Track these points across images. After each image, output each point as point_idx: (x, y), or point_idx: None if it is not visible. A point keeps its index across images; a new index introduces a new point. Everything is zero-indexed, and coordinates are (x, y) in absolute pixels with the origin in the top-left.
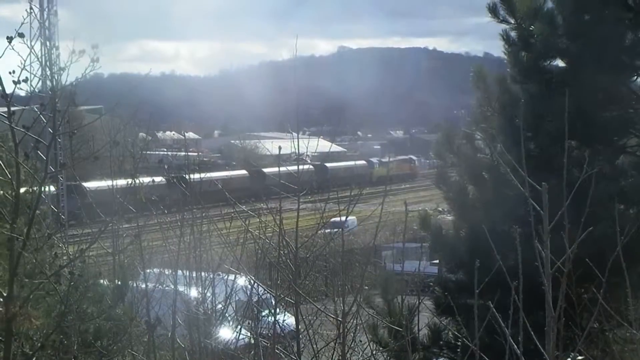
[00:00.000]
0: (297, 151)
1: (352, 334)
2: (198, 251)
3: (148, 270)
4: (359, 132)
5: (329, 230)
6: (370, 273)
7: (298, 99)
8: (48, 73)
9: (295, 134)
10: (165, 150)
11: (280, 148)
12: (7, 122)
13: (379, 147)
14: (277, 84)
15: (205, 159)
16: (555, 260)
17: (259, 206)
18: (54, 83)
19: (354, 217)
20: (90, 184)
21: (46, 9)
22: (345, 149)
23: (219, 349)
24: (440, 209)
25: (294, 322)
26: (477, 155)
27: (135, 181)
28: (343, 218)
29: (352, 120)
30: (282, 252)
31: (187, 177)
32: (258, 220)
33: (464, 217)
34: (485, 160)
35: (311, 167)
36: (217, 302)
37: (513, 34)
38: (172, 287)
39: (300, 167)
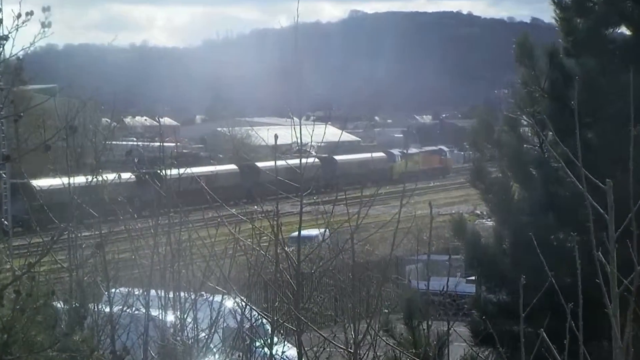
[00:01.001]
0: (299, 141)
1: None
2: (176, 266)
3: (113, 290)
4: (376, 118)
5: (291, 247)
6: (390, 293)
7: (300, 77)
8: None
9: (297, 120)
10: (134, 139)
11: (277, 137)
12: None
13: (401, 135)
14: (274, 57)
15: (185, 151)
16: (622, 278)
17: (252, 209)
18: None
19: (318, 231)
20: (41, 182)
21: None
22: (359, 138)
23: None
24: (477, 212)
25: (295, 355)
26: (522, 145)
27: (97, 178)
28: (312, 231)
29: (368, 103)
30: (280, 266)
31: (162, 173)
32: (250, 226)
33: (507, 223)
34: (533, 152)
35: (316, 160)
36: (199, 329)
37: None
38: (144, 310)
39: (303, 160)
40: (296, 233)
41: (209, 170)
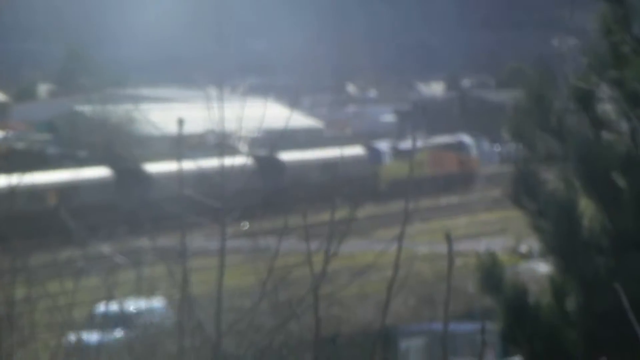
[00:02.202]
0: (218, 129)
1: None
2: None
3: None
4: (349, 88)
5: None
6: None
7: (221, 16)
8: None
9: (215, 92)
10: None
11: (182, 122)
12: None
13: (391, 118)
14: None
15: (19, 145)
16: None
17: (138, 245)
18: None
19: (160, 301)
20: None
21: None
22: (322, 124)
23: None
24: (523, 249)
25: None
26: (600, 134)
27: None
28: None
29: (338, 65)
30: (186, 344)
31: None
32: (136, 275)
33: (573, 269)
34: (620, 146)
35: (249, 161)
36: None
37: None
38: None
39: (228, 161)
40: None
41: (62, 180)
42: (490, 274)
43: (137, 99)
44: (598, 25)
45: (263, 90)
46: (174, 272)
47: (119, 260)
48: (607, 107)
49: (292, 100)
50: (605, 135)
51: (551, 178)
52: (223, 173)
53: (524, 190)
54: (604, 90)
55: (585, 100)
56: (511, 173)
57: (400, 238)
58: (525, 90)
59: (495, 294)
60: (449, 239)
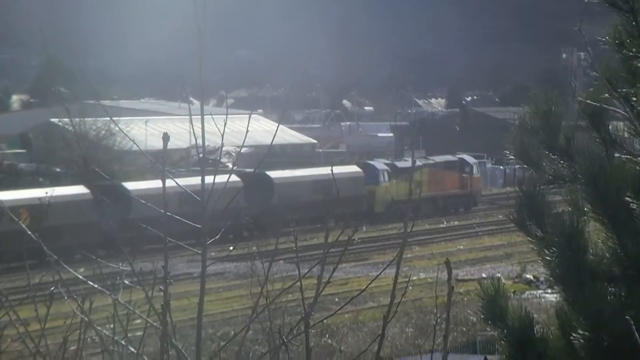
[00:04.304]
0: (202, 143)
1: None
2: None
3: None
4: (345, 102)
5: None
6: None
7: (203, 24)
8: None
9: (198, 105)
10: None
11: (167, 137)
12: None
13: (389, 134)
14: None
15: None
16: None
17: (115, 268)
18: None
19: None
20: None
21: None
22: (315, 140)
23: None
24: (529, 276)
25: None
26: (612, 154)
27: None
28: None
29: (335, 76)
30: None
31: None
32: (111, 301)
33: (582, 299)
34: (633, 165)
35: (236, 179)
36: None
37: None
38: None
39: (210, 179)
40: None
41: (33, 197)
42: (494, 302)
43: (118, 111)
44: (610, 38)
45: (252, 103)
46: (153, 298)
47: (96, 285)
48: (619, 125)
49: (283, 114)
50: (620, 155)
51: (558, 201)
52: (203, 192)
53: (529, 214)
54: (619, 105)
55: (596, 117)
56: (517, 195)
57: (398, 263)
58: (533, 105)
59: (499, 325)
60: (448, 264)
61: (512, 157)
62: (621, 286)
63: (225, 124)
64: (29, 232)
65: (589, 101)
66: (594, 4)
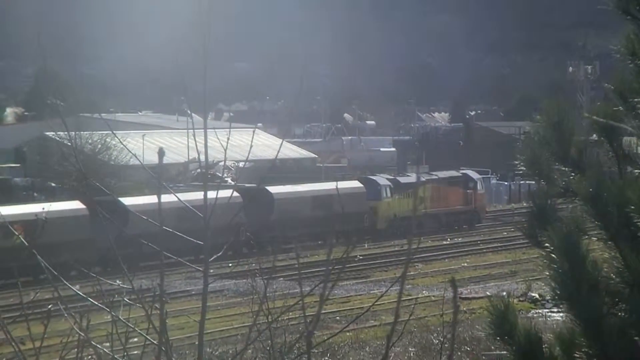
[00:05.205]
0: (203, 157)
1: None
2: None
3: None
4: (345, 115)
5: None
6: None
7: (209, 36)
8: None
9: (198, 119)
10: None
11: (163, 152)
12: None
13: (392, 149)
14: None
15: None
16: None
17: (112, 286)
18: None
19: None
20: None
21: None
22: (315, 155)
23: None
24: (535, 294)
25: None
26: (624, 169)
27: None
28: None
29: (338, 89)
30: None
31: None
32: (111, 317)
33: (587, 318)
34: None
35: (236, 195)
36: None
37: None
38: None
39: (212, 194)
40: None
41: (28, 212)
42: (504, 318)
43: (114, 125)
44: (622, 47)
45: (250, 116)
46: (152, 316)
47: (96, 302)
48: (632, 140)
49: (283, 129)
50: (631, 170)
51: (566, 218)
52: (206, 207)
53: (540, 226)
54: (629, 120)
55: (608, 130)
56: (527, 210)
57: (401, 281)
58: (542, 116)
59: (507, 342)
60: (453, 283)
61: (523, 168)
62: (627, 305)
63: (228, 139)
64: (30, 248)
65: (595, 117)
66: (602, 14)
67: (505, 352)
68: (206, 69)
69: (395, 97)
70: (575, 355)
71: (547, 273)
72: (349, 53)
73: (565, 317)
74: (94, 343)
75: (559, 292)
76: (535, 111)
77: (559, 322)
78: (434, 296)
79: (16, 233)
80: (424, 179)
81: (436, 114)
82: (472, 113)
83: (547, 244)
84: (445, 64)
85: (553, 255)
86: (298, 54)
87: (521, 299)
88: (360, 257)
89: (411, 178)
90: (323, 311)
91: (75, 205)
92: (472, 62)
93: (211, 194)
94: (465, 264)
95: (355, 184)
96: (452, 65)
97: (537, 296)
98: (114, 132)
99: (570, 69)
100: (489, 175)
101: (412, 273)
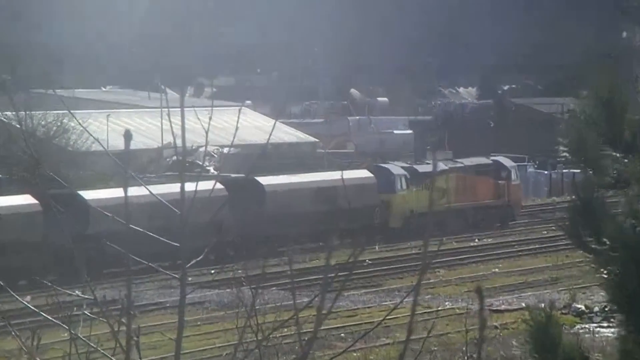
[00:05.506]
0: (180, 141)
1: None
2: None
3: None
4: (352, 91)
5: None
6: None
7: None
8: None
9: (173, 95)
10: None
11: (129, 135)
12: None
13: (407, 131)
14: None
15: None
16: None
17: (72, 296)
18: None
19: None
20: None
21: None
22: (316, 137)
23: None
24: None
25: None
26: None
27: None
28: None
29: (340, 61)
30: None
31: None
32: (67, 334)
33: None
34: None
35: (220, 187)
36: None
37: None
38: None
39: (191, 186)
40: None
41: None
42: (544, 332)
43: (73, 103)
44: None
45: (237, 92)
46: (118, 332)
47: (47, 317)
48: None
49: (277, 108)
50: None
51: (621, 209)
52: (183, 202)
53: (584, 224)
54: None
55: None
56: (569, 204)
57: (416, 290)
58: (590, 93)
59: (548, 358)
60: (480, 292)
61: (566, 155)
62: None
63: (210, 119)
64: None
65: None
66: None
67: None
68: (190, 33)
69: (412, 70)
70: None
71: (602, 278)
72: (357, 17)
73: (619, 333)
74: None
75: (618, 302)
76: (581, 85)
77: (609, 339)
78: (458, 308)
79: None
80: (446, 168)
81: (461, 89)
82: (505, 88)
83: (594, 245)
84: (472, 31)
85: (611, 254)
86: (299, 19)
87: (564, 311)
88: (370, 262)
89: (431, 166)
90: (325, 327)
91: (26, 199)
92: (505, 28)
93: (189, 186)
94: (497, 270)
95: (364, 173)
96: (480, 32)
97: (582, 308)
98: (72, 111)
99: (624, 33)
100: (526, 163)
101: (432, 281)
